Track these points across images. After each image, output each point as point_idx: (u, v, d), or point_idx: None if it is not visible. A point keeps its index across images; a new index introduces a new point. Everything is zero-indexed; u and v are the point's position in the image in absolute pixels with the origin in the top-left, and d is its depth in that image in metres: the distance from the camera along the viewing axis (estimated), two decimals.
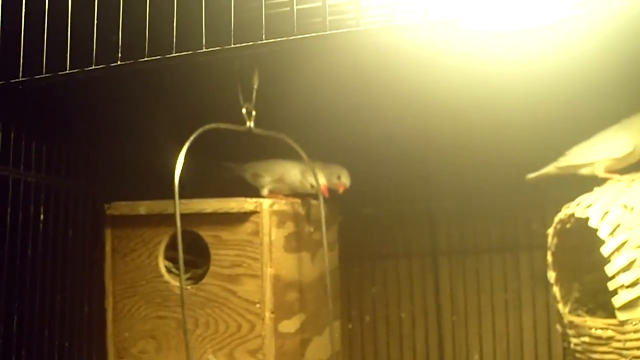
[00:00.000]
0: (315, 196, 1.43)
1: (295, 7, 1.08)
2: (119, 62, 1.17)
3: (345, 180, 1.58)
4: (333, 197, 1.52)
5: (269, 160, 1.53)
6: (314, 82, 1.48)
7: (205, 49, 1.13)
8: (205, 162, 1.54)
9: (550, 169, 1.44)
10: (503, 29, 1.08)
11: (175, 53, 1.14)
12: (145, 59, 1.16)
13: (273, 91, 1.31)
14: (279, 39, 1.09)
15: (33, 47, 1.22)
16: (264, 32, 1.09)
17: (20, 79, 1.24)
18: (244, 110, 1.27)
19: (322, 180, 1.43)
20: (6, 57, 1.23)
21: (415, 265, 1.76)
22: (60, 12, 1.20)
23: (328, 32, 1.06)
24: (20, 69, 1.24)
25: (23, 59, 1.24)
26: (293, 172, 1.49)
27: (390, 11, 1.05)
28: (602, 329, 1.18)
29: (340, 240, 1.64)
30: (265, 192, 1.50)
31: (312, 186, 1.44)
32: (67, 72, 1.20)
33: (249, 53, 1.12)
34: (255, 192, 1.48)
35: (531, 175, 1.47)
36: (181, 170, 1.11)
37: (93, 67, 1.19)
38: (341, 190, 1.57)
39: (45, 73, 1.22)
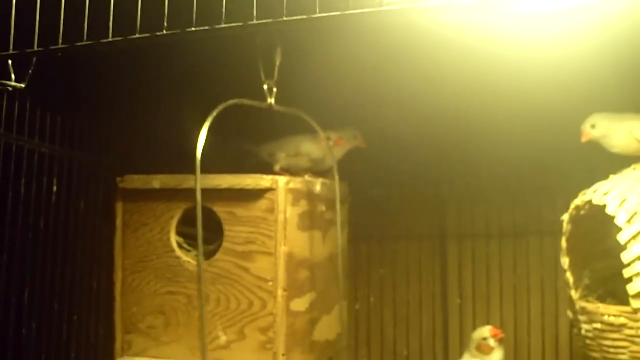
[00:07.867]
0: (326, 175, 1.43)
1: None
2: (137, 35, 1.16)
3: (360, 136, 1.60)
4: (343, 176, 1.52)
5: (283, 138, 1.54)
6: (333, 61, 1.47)
7: (226, 24, 1.12)
8: (222, 139, 1.54)
9: None
10: (525, 10, 1.07)
11: (196, 27, 1.13)
12: (164, 32, 1.15)
13: (294, 69, 1.30)
14: (300, 17, 1.08)
15: (50, 16, 1.21)
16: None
17: (36, 49, 1.23)
18: (265, 87, 1.26)
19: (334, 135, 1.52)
20: (22, 26, 1.22)
21: (424, 248, 1.76)
22: None
23: (350, 12, 1.06)
24: (36, 39, 1.22)
25: (39, 28, 1.22)
26: (307, 144, 1.50)
27: None
28: (614, 315, 1.18)
29: (349, 220, 1.64)
30: (277, 167, 1.50)
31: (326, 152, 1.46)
32: (84, 43, 1.19)
33: (270, 29, 1.11)
34: (269, 171, 1.48)
35: None
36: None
37: (110, 39, 1.18)
38: (363, 144, 1.59)
39: (62, 43, 1.21)
